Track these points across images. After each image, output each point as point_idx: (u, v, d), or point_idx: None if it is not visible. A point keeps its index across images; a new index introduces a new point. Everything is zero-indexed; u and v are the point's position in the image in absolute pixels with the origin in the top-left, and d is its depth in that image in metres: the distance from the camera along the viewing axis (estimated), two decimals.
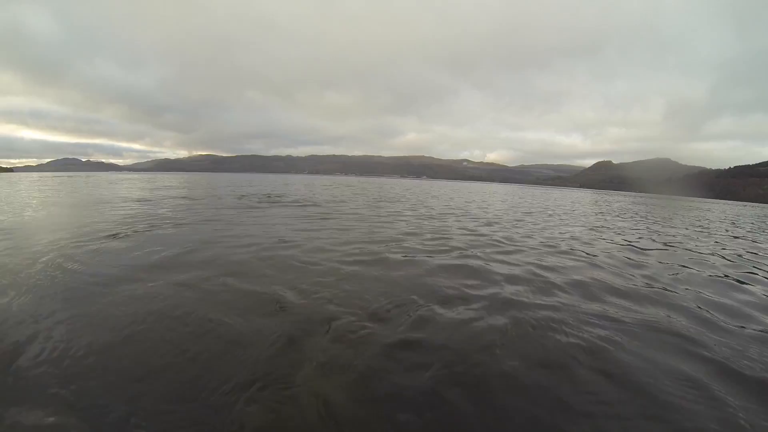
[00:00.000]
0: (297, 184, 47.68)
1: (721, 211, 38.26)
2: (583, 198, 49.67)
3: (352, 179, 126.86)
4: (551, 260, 7.42)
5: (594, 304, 5.02)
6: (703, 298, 5.54)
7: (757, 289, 6.40)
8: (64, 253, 6.44)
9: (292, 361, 3.17)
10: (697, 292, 5.84)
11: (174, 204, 15.68)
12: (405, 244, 8.45)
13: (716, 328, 4.39)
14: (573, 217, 18.22)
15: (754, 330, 4.42)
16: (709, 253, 9.56)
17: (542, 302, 4.94)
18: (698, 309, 4.98)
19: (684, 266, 7.72)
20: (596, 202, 39.29)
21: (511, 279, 5.97)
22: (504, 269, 6.57)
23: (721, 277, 7.10)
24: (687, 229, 15.88)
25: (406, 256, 7.17)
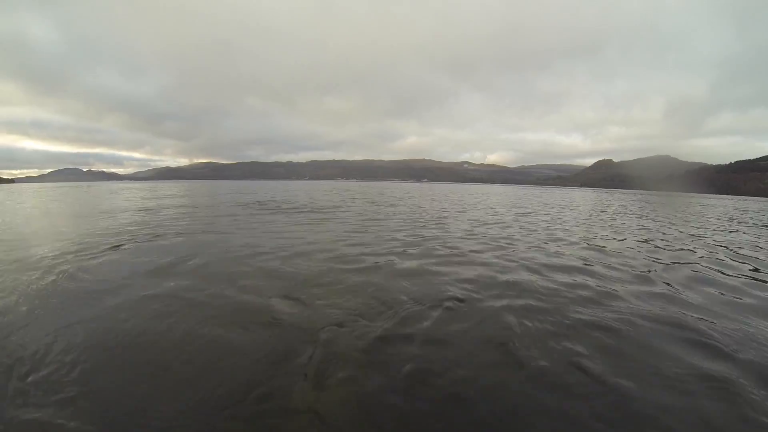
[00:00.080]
0: (298, 190, 47.68)
1: (731, 206, 38.07)
2: (592, 198, 49.41)
3: (353, 184, 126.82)
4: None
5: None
6: None
7: None
8: (68, 264, 6.48)
9: (286, 373, 3.15)
10: None
11: (175, 213, 15.69)
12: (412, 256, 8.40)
13: None
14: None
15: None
16: None
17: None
18: None
19: None
20: (606, 204, 39.02)
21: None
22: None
23: None
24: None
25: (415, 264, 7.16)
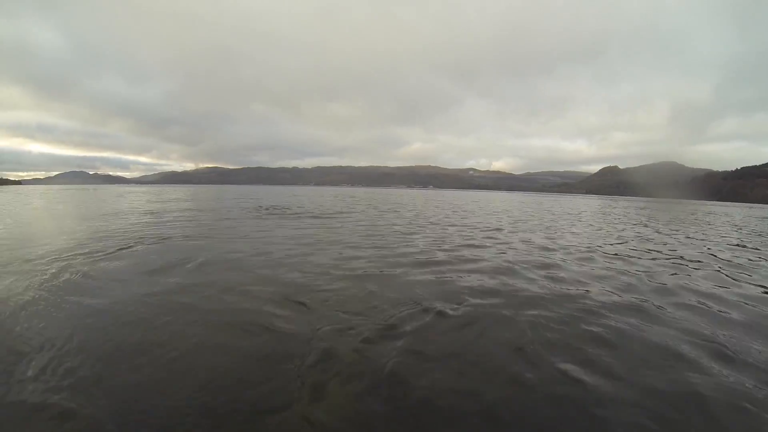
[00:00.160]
0: (303, 196, 47.84)
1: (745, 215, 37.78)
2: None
3: (359, 190, 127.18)
4: None
5: None
6: None
7: None
8: (76, 264, 6.50)
9: (286, 380, 3.08)
10: None
11: (180, 216, 15.71)
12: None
13: None
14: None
15: None
16: None
17: None
18: None
19: None
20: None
21: None
22: None
23: None
24: None
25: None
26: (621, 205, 51.85)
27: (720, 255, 9.84)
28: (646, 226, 18.05)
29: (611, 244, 11.04)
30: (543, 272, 7.00)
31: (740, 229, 19.13)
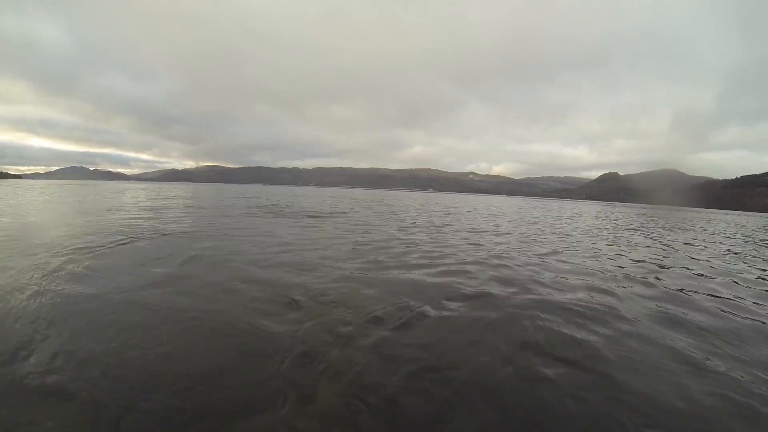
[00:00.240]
0: (305, 196, 47.83)
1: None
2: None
3: (359, 192, 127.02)
4: None
5: None
6: None
7: None
8: (75, 258, 6.61)
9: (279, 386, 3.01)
10: None
11: (179, 213, 15.83)
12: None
13: None
14: None
15: None
16: None
17: None
18: None
19: None
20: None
21: None
22: None
23: None
24: None
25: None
26: (619, 211, 51.97)
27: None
28: (636, 230, 18.25)
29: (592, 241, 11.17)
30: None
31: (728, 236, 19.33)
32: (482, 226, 16.30)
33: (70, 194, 29.85)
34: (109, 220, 12.19)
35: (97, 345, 3.43)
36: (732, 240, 16.77)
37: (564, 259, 8.87)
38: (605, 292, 6.04)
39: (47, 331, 3.65)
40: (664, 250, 11.53)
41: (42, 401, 2.64)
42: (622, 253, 10.45)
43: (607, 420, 2.70)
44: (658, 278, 7.26)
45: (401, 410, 2.72)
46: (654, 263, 8.99)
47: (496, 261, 8.15)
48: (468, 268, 7.27)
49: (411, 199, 51.25)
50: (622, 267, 8.25)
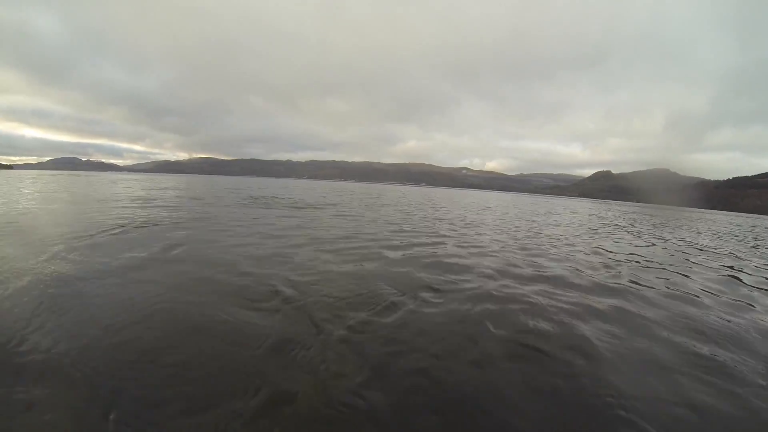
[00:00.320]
0: (298, 188, 47.77)
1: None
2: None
3: (352, 185, 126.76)
4: None
5: None
6: None
7: None
8: (67, 247, 6.70)
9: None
10: None
11: (172, 204, 15.86)
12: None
13: None
14: None
15: None
16: None
17: None
18: None
19: None
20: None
21: None
22: None
23: None
24: None
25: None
26: (611, 208, 52.41)
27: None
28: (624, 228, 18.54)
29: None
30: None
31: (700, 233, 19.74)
32: (471, 218, 16.45)
33: (61, 185, 29.64)
34: (99, 210, 12.27)
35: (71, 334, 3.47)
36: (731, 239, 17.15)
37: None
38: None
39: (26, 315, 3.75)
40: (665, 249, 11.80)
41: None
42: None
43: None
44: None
45: (378, 402, 2.77)
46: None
47: (475, 251, 8.43)
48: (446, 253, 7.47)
49: (402, 193, 51.31)
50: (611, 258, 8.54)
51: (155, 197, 18.72)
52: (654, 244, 12.70)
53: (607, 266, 8.01)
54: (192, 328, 3.70)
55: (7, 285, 4.59)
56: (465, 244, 9.52)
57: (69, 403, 2.54)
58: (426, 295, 5.10)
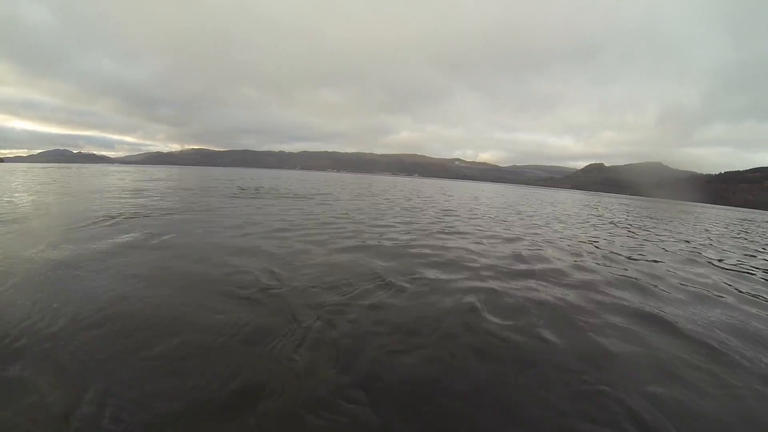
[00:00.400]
0: (291, 179, 47.67)
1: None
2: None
3: (345, 176, 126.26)
4: None
5: None
6: None
7: None
8: (53, 239, 6.95)
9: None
10: None
11: (164, 195, 16.04)
12: None
13: None
14: None
15: None
16: None
17: None
18: None
19: None
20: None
21: None
22: None
23: None
24: None
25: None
26: (605, 201, 52.76)
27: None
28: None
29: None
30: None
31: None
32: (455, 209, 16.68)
33: (52, 177, 29.55)
34: (91, 201, 12.51)
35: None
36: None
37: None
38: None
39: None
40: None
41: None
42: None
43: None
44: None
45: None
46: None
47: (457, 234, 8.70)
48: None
49: (392, 184, 51.27)
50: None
51: (146, 188, 18.82)
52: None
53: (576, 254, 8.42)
54: (172, 318, 3.72)
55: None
56: (446, 231, 9.91)
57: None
58: (402, 283, 5.21)
